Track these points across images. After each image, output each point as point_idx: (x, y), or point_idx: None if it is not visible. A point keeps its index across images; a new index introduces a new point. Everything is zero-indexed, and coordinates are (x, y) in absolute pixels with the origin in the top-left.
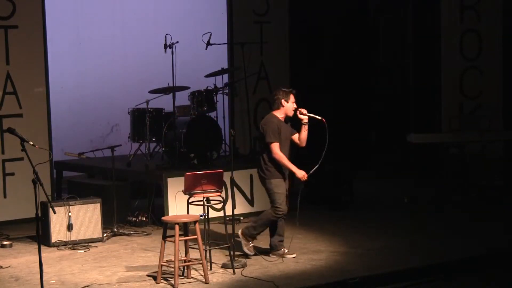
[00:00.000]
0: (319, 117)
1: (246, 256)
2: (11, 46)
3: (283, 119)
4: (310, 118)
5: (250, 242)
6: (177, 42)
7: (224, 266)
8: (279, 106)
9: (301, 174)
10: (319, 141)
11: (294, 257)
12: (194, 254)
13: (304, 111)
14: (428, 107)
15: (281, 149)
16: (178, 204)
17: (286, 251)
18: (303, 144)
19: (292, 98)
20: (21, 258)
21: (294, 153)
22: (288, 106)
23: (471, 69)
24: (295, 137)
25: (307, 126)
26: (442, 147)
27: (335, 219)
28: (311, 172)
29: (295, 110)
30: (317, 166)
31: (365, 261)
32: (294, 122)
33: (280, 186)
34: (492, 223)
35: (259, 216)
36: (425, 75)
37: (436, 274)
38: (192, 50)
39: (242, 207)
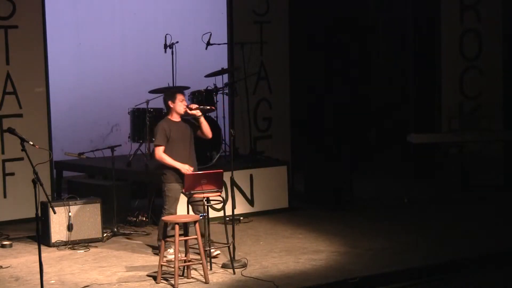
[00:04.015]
0: (208, 107)
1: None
2: (11, 46)
3: (178, 119)
4: (202, 110)
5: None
6: (177, 42)
7: (224, 266)
8: (168, 109)
9: (184, 169)
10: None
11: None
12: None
13: (193, 106)
14: (428, 107)
15: (177, 149)
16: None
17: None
18: (209, 135)
19: (179, 97)
20: (21, 258)
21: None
22: (176, 105)
23: (471, 69)
24: (199, 132)
25: (202, 118)
26: (442, 147)
27: (335, 219)
28: (214, 160)
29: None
30: (219, 154)
31: (365, 261)
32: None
33: (172, 190)
34: (492, 223)
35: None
36: (425, 75)
37: (436, 274)
38: (192, 50)
39: (242, 207)
